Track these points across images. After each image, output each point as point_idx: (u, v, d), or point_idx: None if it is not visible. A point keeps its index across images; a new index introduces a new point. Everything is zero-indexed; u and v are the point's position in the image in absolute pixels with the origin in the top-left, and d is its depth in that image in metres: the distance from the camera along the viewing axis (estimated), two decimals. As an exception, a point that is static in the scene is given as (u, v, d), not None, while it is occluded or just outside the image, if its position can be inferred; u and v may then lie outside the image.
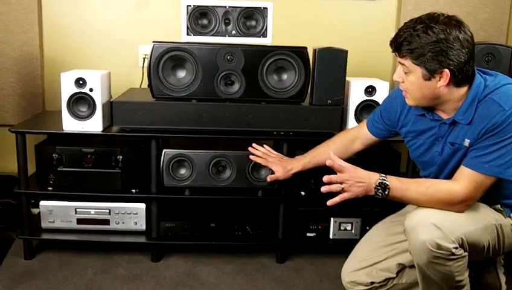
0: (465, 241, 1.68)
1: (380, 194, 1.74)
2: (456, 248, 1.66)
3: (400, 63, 1.72)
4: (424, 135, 1.88)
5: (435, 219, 1.66)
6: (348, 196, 1.77)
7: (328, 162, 1.79)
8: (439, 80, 1.68)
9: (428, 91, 1.71)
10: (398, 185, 1.76)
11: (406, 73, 1.72)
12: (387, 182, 1.75)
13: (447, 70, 1.65)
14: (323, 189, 1.79)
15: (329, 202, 1.78)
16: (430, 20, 1.64)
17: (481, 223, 1.74)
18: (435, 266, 1.68)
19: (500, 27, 2.93)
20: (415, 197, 1.75)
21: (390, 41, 1.72)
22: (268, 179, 2.27)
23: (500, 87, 1.71)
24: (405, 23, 1.70)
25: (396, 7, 2.96)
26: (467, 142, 1.73)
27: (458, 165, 1.78)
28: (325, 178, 1.79)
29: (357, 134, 2.18)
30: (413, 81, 1.71)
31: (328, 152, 1.93)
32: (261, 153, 2.33)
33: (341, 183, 1.78)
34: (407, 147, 2.01)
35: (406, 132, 1.95)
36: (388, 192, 1.74)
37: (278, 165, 2.24)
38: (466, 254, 1.70)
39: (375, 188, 1.75)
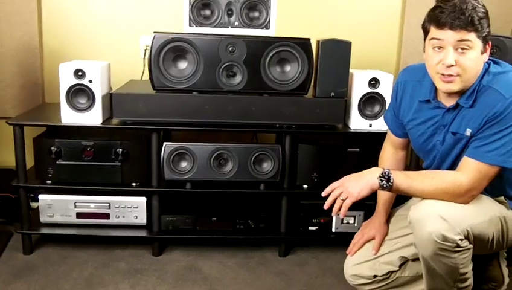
0: (471, 234, 1.67)
1: (385, 185, 1.71)
2: (462, 240, 1.65)
3: (461, 40, 1.62)
4: (426, 123, 1.86)
5: (441, 211, 1.65)
6: (351, 201, 1.72)
7: (323, 194, 1.78)
8: (485, 53, 1.68)
9: (480, 66, 1.69)
10: (402, 176, 1.74)
11: (463, 52, 1.63)
12: (390, 173, 1.72)
13: (490, 42, 1.68)
14: (326, 207, 1.77)
15: (341, 214, 1.74)
16: None
17: (487, 215, 1.74)
18: (440, 258, 1.67)
19: (506, 19, 2.91)
20: (420, 189, 1.73)
21: (454, 18, 1.59)
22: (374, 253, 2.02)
23: (501, 74, 1.70)
24: (446, 1, 1.63)
25: (401, -2, 2.93)
26: (468, 132, 1.72)
27: (460, 155, 1.77)
28: (323, 193, 1.78)
29: (393, 147, 2.11)
30: (473, 58, 1.65)
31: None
32: (358, 246, 2.07)
33: (340, 194, 1.74)
34: (409, 136, 1.99)
35: (408, 120, 1.93)
36: (393, 182, 1.71)
37: (377, 235, 2.04)
38: (471, 246, 1.69)
39: (379, 179, 1.72)
